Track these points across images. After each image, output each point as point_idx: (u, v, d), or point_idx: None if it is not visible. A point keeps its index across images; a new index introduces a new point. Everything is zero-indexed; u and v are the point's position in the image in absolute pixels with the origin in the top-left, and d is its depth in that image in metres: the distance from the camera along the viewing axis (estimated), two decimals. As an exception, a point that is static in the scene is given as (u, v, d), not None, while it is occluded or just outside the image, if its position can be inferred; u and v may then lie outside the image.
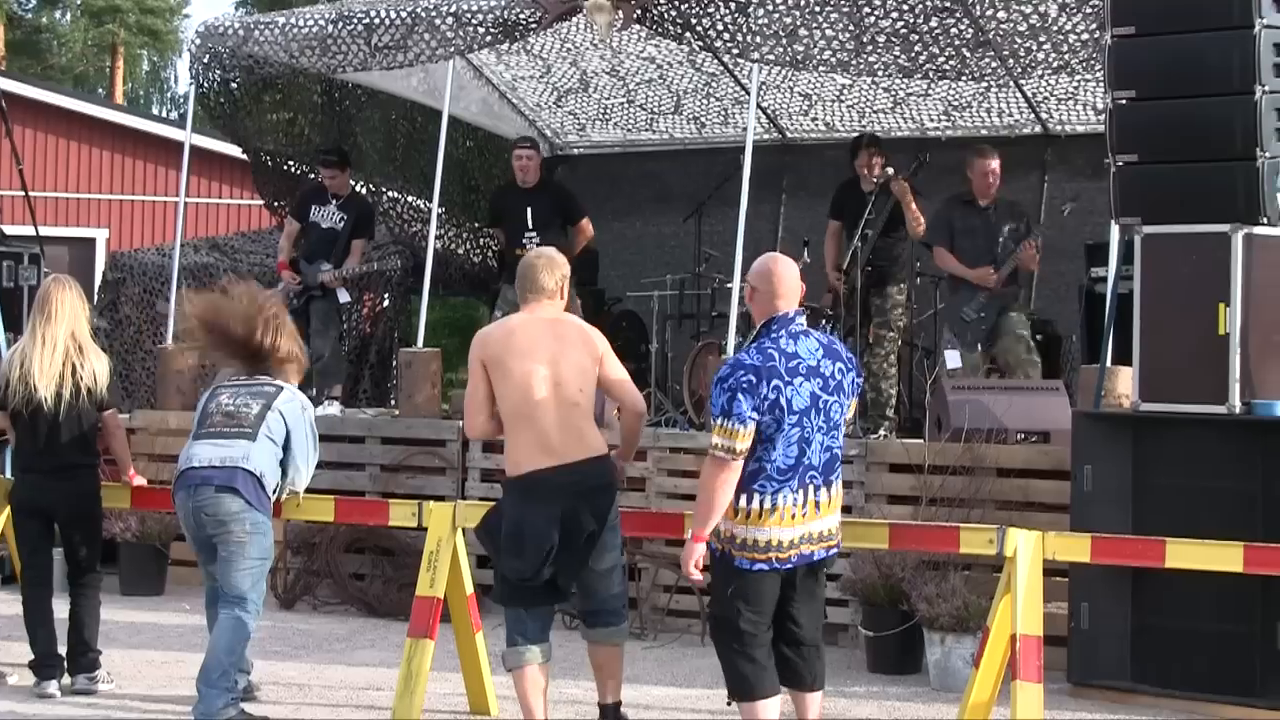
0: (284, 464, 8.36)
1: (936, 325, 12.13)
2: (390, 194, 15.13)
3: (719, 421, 6.86)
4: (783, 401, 6.82)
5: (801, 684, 7.17)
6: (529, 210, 12.59)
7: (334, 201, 13.32)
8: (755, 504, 6.88)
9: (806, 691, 7.18)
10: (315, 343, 13.04)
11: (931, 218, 11.78)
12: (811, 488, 6.92)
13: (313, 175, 14.52)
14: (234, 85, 14.15)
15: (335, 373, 13.24)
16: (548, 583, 7.51)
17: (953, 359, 11.34)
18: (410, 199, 15.18)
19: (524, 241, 12.42)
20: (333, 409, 12.60)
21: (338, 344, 13.40)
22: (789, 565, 6.94)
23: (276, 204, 15.02)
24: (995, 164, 11.59)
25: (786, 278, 7.07)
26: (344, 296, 13.35)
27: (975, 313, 11.49)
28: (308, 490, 8.61)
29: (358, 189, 14.01)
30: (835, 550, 7.12)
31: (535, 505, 7.42)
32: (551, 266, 7.73)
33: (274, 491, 8.32)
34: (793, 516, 6.89)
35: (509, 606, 7.67)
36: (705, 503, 6.92)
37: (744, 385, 6.83)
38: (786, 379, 6.85)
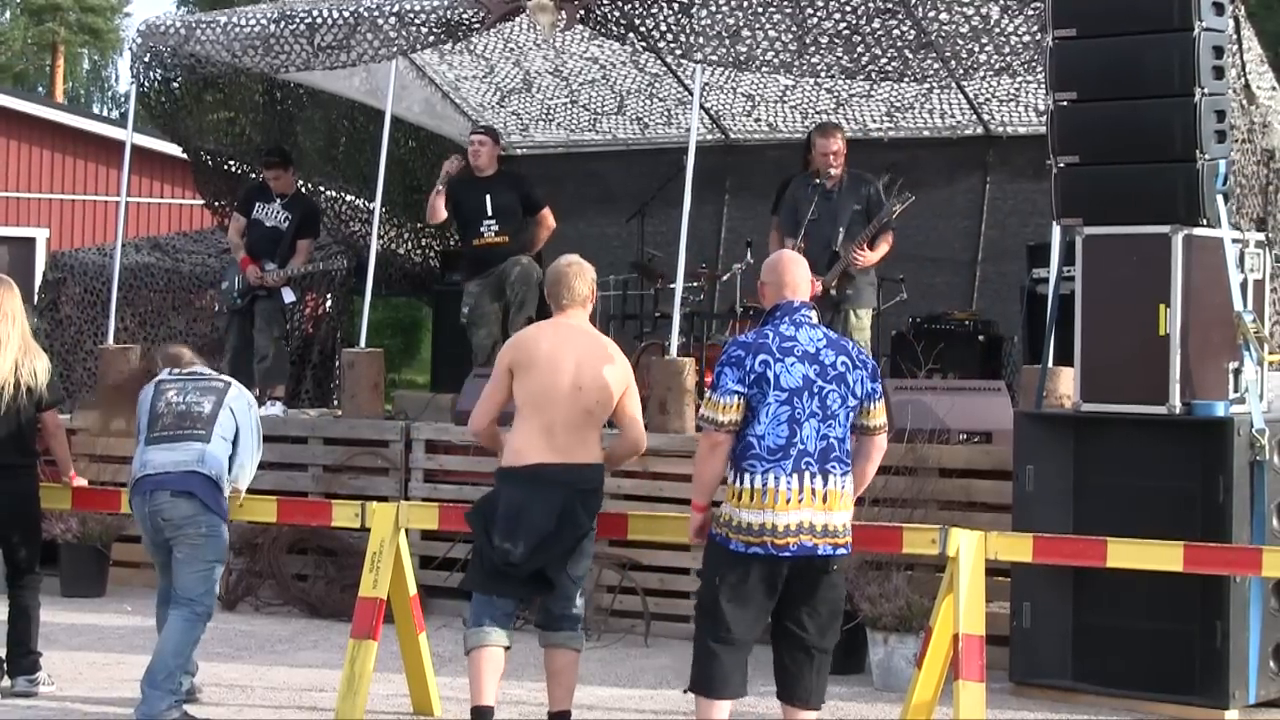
0: (230, 461, 8.32)
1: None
2: (329, 193, 15.08)
3: (707, 395, 7.01)
4: (770, 375, 6.86)
5: (795, 697, 7.06)
6: (488, 197, 12.36)
7: (278, 200, 13.25)
8: (747, 483, 6.88)
9: (800, 709, 7.07)
10: (259, 341, 13.00)
11: (776, 198, 11.68)
12: (808, 474, 6.88)
13: (254, 175, 14.45)
14: (175, 84, 14.06)
15: (279, 372, 13.16)
16: (534, 573, 7.52)
17: None
18: (350, 198, 15.13)
19: (483, 230, 12.29)
20: (275, 409, 12.53)
21: (282, 344, 13.32)
22: (787, 554, 6.85)
23: (217, 203, 14.94)
24: (837, 144, 11.27)
25: (795, 269, 7.16)
26: (289, 296, 13.28)
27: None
28: (250, 490, 8.57)
29: (302, 189, 13.93)
30: (845, 550, 7.00)
31: (536, 495, 7.48)
32: (583, 273, 7.84)
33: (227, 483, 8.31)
34: (787, 501, 6.84)
35: (484, 592, 7.66)
36: (696, 473, 7.13)
37: (732, 360, 6.94)
38: (777, 356, 6.90)
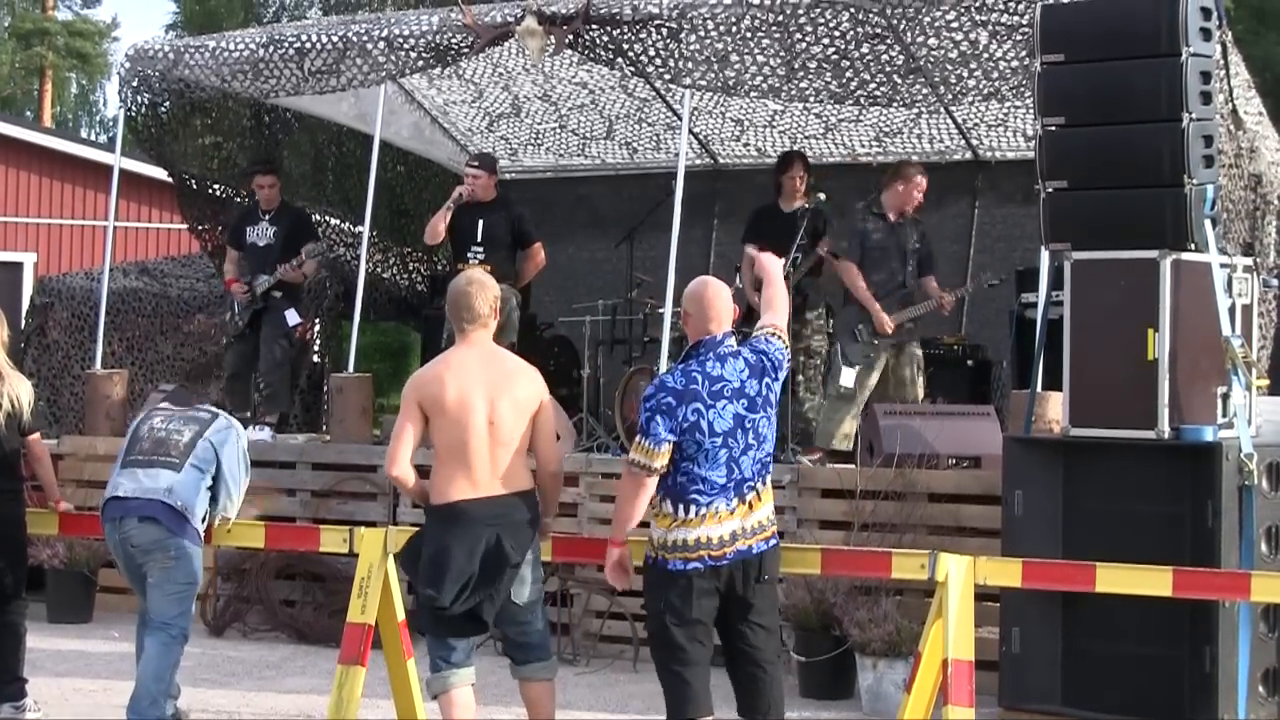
0: (215, 491, 8.31)
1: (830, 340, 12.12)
2: (316, 217, 15.09)
3: (638, 439, 7.06)
4: (703, 424, 6.95)
5: (756, 711, 7.13)
6: (480, 224, 12.42)
7: (265, 218, 13.26)
8: (686, 512, 7.00)
9: None
10: (262, 366, 13.00)
11: (845, 231, 11.79)
12: (744, 494, 7.04)
13: (239, 199, 14.48)
14: (163, 109, 14.08)
15: (279, 399, 13.15)
16: (468, 613, 7.45)
17: (847, 377, 11.30)
18: (337, 223, 15.15)
19: (469, 256, 12.32)
20: (264, 434, 12.52)
21: (286, 370, 13.30)
22: (725, 562, 6.97)
23: (200, 227, 14.92)
24: (925, 183, 11.62)
25: (718, 301, 7.16)
26: (293, 319, 13.25)
27: (869, 336, 11.42)
28: (238, 516, 8.56)
29: (288, 201, 13.89)
30: (775, 542, 7.15)
31: (457, 535, 7.37)
32: (483, 290, 7.61)
33: (203, 519, 8.28)
34: (721, 519, 6.99)
35: (430, 635, 7.63)
36: (619, 513, 7.19)
37: (663, 407, 6.99)
38: (708, 402, 6.97)
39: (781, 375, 7.19)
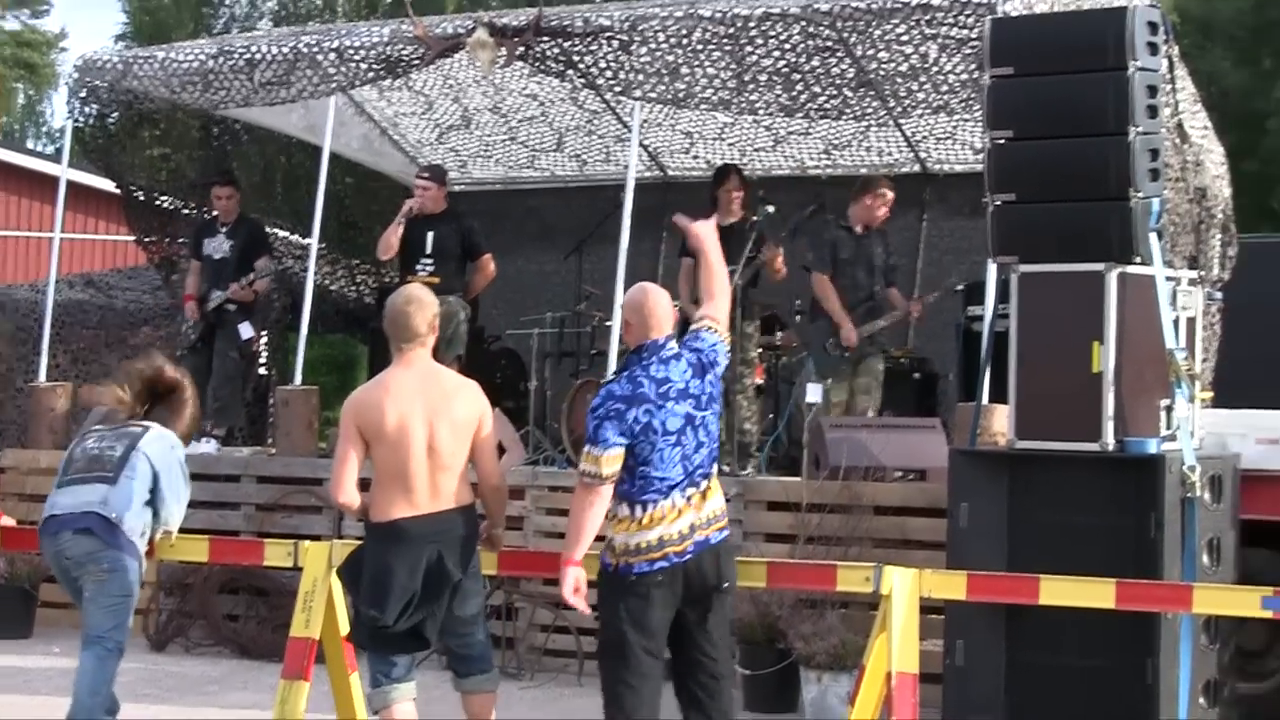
0: (155, 504, 8.26)
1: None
2: (265, 229, 15.05)
3: (587, 448, 7.02)
4: (655, 424, 6.97)
5: None
6: (429, 236, 12.43)
7: (222, 230, 13.24)
8: (646, 511, 7.00)
9: None
10: (214, 381, 12.97)
11: (811, 244, 11.86)
12: (700, 479, 7.07)
13: (187, 211, 14.45)
14: (111, 120, 14.04)
15: (229, 412, 13.12)
16: (411, 630, 7.42)
17: (813, 393, 11.36)
18: (286, 234, 15.11)
19: (418, 269, 12.33)
20: (209, 446, 12.46)
21: (238, 384, 13.28)
22: (688, 555, 6.97)
23: (147, 240, 14.86)
24: (892, 197, 11.76)
25: (658, 307, 7.18)
26: (246, 332, 13.23)
27: (839, 349, 11.51)
28: (181, 530, 8.51)
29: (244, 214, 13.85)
30: (728, 533, 7.18)
31: (398, 553, 7.34)
32: (421, 307, 7.55)
33: (143, 532, 8.22)
34: (679, 513, 6.99)
35: (370, 651, 7.60)
36: (574, 528, 7.05)
37: (612, 413, 6.98)
38: (657, 403, 6.99)
39: (720, 368, 7.20)
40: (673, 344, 7.16)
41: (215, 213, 13.40)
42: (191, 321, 13.19)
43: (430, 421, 7.37)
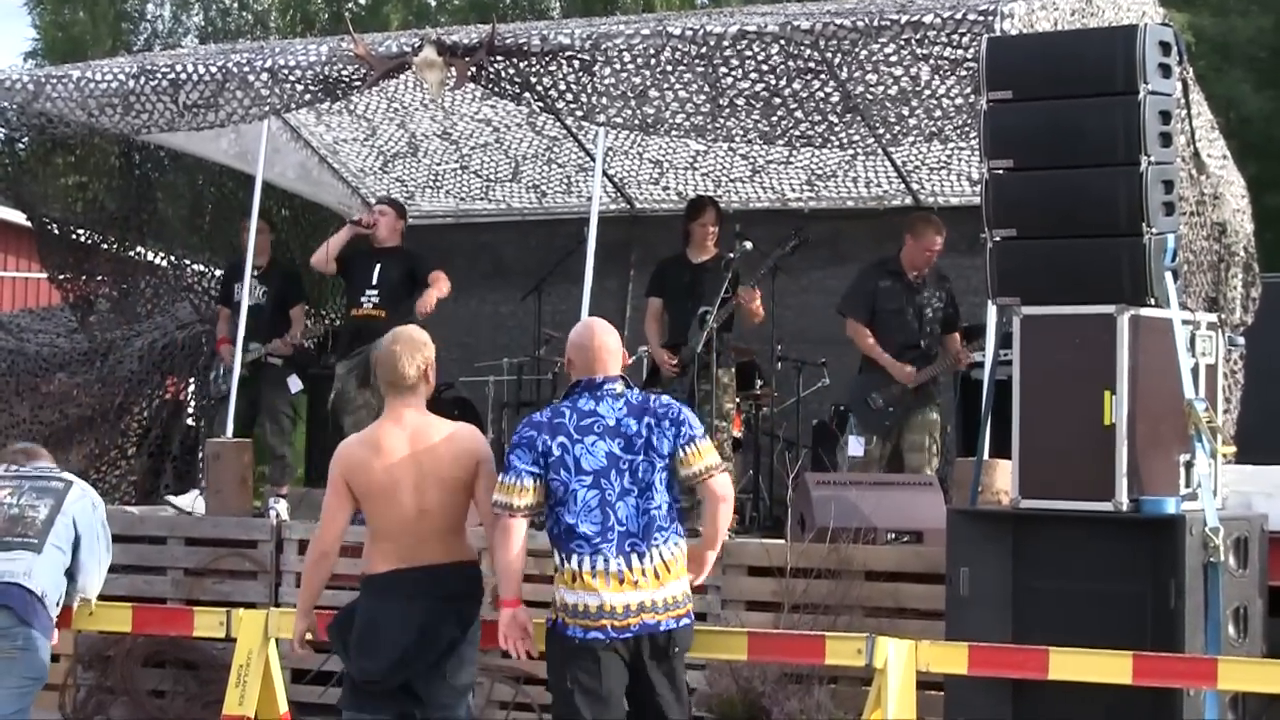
0: (72, 568, 8.23)
1: (838, 409, 12.18)
2: (195, 267, 15.02)
3: (499, 478, 7.17)
4: (569, 460, 7.04)
5: None
6: (377, 268, 12.51)
7: (255, 274, 13.20)
8: (574, 564, 7.05)
9: None
10: (271, 442, 13.04)
11: (849, 287, 11.87)
12: (634, 555, 7.05)
13: (106, 245, 14.43)
14: (20, 145, 14.01)
15: (293, 469, 13.21)
16: (401, 688, 7.44)
17: (855, 446, 11.39)
18: (218, 272, 15.08)
19: (362, 300, 12.44)
20: (279, 505, 12.54)
21: (292, 439, 13.44)
22: (629, 634, 7.00)
23: (62, 277, 14.81)
24: (941, 241, 11.71)
25: (604, 346, 7.27)
26: (296, 385, 13.32)
27: (884, 402, 11.53)
28: (101, 597, 8.48)
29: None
30: (688, 621, 7.17)
31: (394, 602, 7.41)
32: (411, 350, 7.60)
33: (58, 602, 8.19)
34: (620, 581, 7.01)
35: (355, 711, 7.58)
36: (497, 565, 7.25)
37: (523, 441, 7.11)
38: (575, 436, 7.06)
39: (677, 426, 7.17)
40: (617, 385, 7.20)
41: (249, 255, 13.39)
42: (223, 370, 13.19)
43: (419, 485, 7.46)
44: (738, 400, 12.16)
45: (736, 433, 12.17)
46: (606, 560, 7.01)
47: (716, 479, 7.24)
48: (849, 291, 11.90)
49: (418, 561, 7.44)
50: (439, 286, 12.52)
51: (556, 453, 7.04)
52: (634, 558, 7.04)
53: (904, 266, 11.73)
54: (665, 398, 7.34)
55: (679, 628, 7.13)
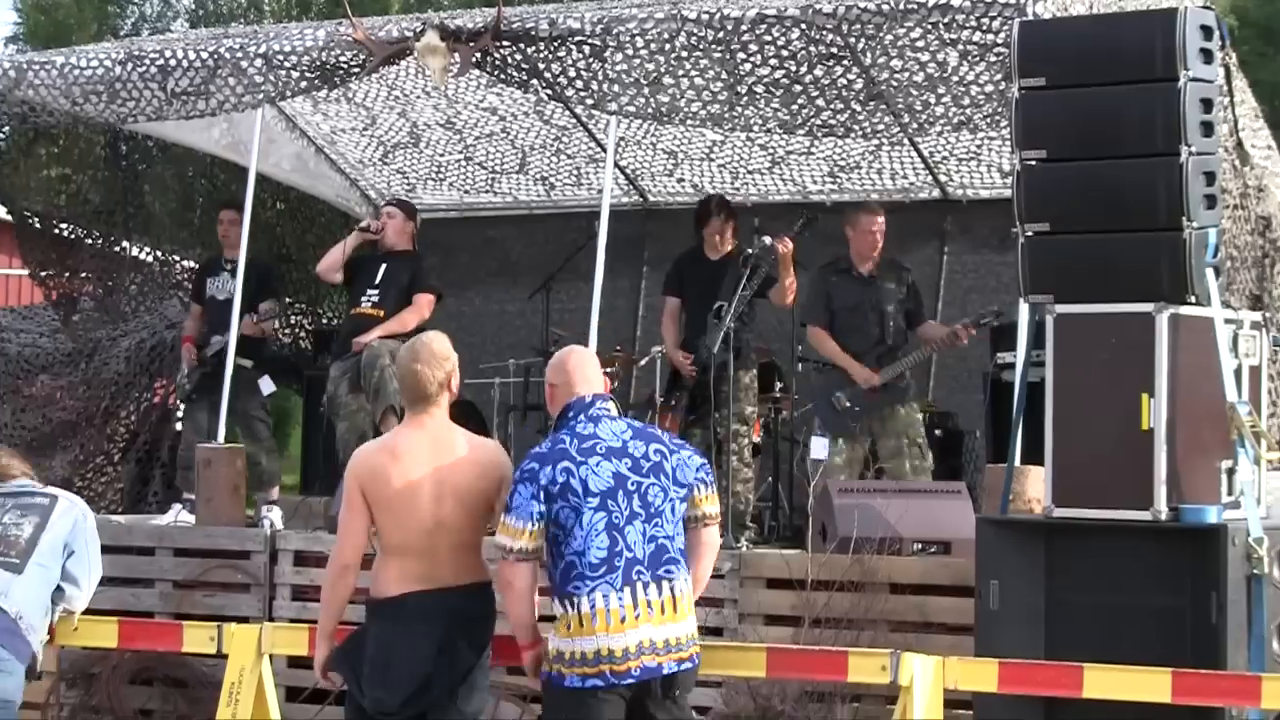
0: (60, 581, 8.26)
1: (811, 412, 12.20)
2: (185, 264, 15.05)
3: (502, 518, 7.16)
4: (574, 483, 7.02)
5: None
6: (382, 268, 12.56)
7: (227, 268, 13.24)
8: (575, 608, 7.02)
9: None
10: (249, 448, 13.02)
11: (805, 293, 11.89)
12: (639, 585, 7.02)
13: (91, 240, 14.45)
14: (1, 136, 14.04)
15: (273, 475, 13.20)
16: (413, 716, 7.44)
17: (818, 447, 11.40)
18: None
19: (362, 300, 12.48)
20: (274, 514, 12.51)
21: (272, 443, 13.42)
22: (630, 679, 6.97)
23: (44, 274, 14.86)
24: (881, 221, 11.74)
25: (583, 366, 7.35)
26: (268, 387, 13.29)
27: (849, 401, 11.56)
28: (86, 610, 8.50)
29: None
30: (693, 665, 7.16)
31: (410, 628, 7.40)
32: (432, 361, 7.60)
33: (46, 621, 8.21)
34: (622, 620, 6.98)
35: None
36: (510, 614, 7.27)
37: (526, 476, 7.09)
38: (579, 459, 7.05)
39: (693, 459, 7.25)
40: (608, 405, 7.25)
41: (222, 246, 13.40)
42: (188, 370, 13.21)
43: (438, 495, 7.46)
44: (757, 403, 12.16)
45: (755, 438, 12.18)
46: (606, 597, 6.97)
47: (715, 528, 7.36)
48: (804, 299, 11.95)
49: (432, 584, 7.43)
50: (417, 311, 12.50)
51: (561, 479, 7.02)
52: (639, 588, 7.01)
53: (854, 262, 11.83)
54: (671, 435, 7.44)
55: (680, 671, 7.10)
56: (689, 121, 11.96)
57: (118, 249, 14.74)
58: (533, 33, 11.45)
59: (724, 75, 11.27)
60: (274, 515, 12.57)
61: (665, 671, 7.04)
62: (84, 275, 14.69)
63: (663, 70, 11.29)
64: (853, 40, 10.94)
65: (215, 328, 13.16)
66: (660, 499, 7.10)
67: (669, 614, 7.06)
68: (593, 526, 7.00)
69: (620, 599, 6.98)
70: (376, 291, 12.43)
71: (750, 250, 11.84)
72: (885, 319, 11.76)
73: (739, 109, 11.50)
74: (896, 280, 11.88)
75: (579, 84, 11.50)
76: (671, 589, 7.08)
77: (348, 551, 7.58)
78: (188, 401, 13.30)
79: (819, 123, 11.68)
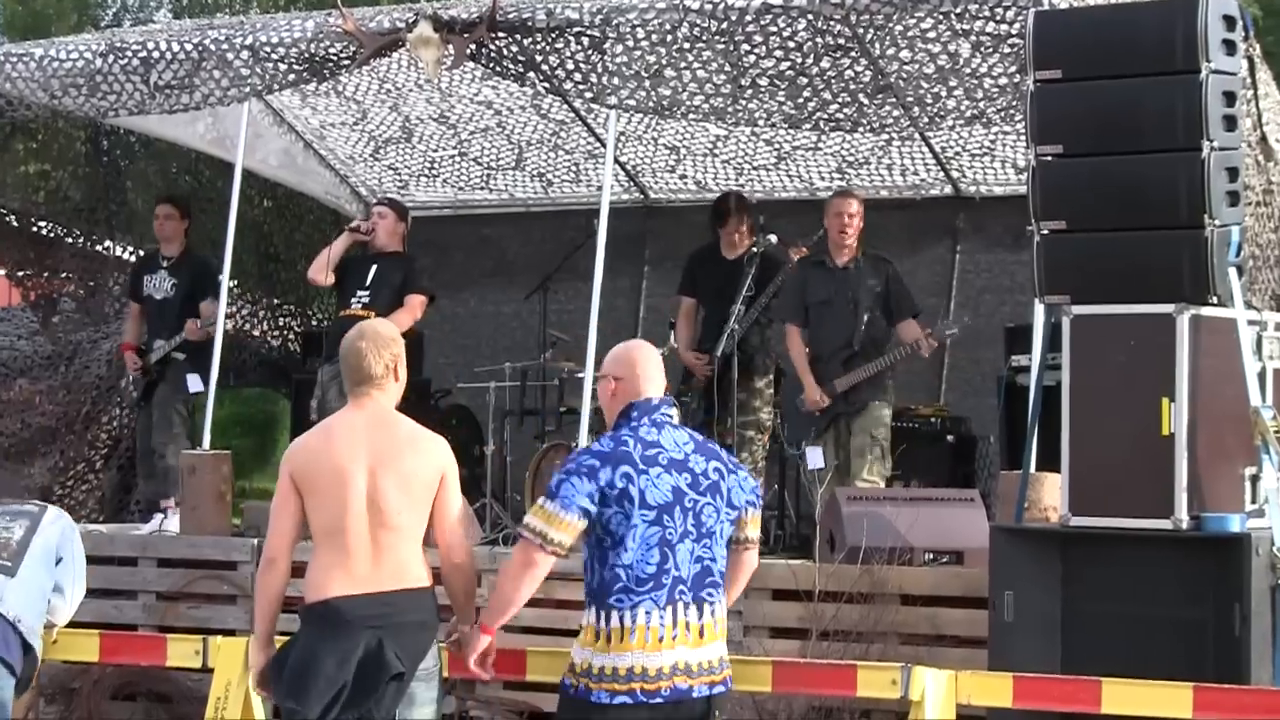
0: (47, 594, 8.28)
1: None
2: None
3: (540, 502, 6.99)
4: (633, 491, 6.91)
5: None
6: (373, 269, 12.57)
7: (164, 266, 13.24)
8: (614, 622, 6.94)
9: None
10: (156, 440, 12.96)
11: (784, 289, 11.88)
12: (680, 605, 6.97)
13: (71, 239, 14.45)
14: (-24, 130, 14.06)
15: (172, 478, 13.16)
16: None
17: (814, 457, 11.40)
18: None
19: (352, 301, 12.46)
20: (170, 522, 12.48)
21: (185, 441, 13.31)
22: (658, 699, 6.92)
23: (20, 273, 14.87)
24: (854, 205, 11.71)
25: (649, 363, 7.23)
26: (195, 385, 13.21)
27: (810, 407, 11.58)
28: (68, 623, 8.51)
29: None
30: (725, 688, 7.12)
31: (330, 638, 7.28)
32: (378, 345, 7.52)
33: (42, 624, 8.23)
34: (660, 640, 6.92)
35: None
36: (502, 594, 7.16)
37: (584, 470, 6.95)
38: (641, 467, 6.95)
39: (749, 482, 7.22)
40: (672, 412, 7.18)
41: (158, 243, 13.42)
42: (132, 376, 13.21)
43: (373, 470, 7.34)
44: (772, 410, 12.18)
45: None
46: (649, 614, 6.91)
47: (755, 552, 7.32)
48: (782, 295, 11.95)
49: (361, 588, 7.29)
50: (410, 312, 12.47)
51: (620, 484, 6.91)
52: (679, 608, 6.96)
53: (830, 253, 11.80)
54: (730, 453, 7.36)
55: (713, 694, 7.06)
56: (691, 115, 11.96)
57: (100, 248, 14.74)
58: (529, 24, 11.44)
59: (728, 67, 11.27)
60: (172, 523, 12.52)
61: (697, 694, 6.99)
62: (64, 275, 14.70)
63: (664, 62, 11.28)
64: (861, 31, 10.93)
65: (155, 329, 13.17)
66: (713, 519, 7.05)
67: (704, 637, 7.03)
68: (646, 540, 6.92)
69: (662, 618, 6.93)
70: (367, 292, 12.42)
71: (754, 249, 11.85)
72: (860, 311, 11.66)
73: (743, 102, 11.51)
74: (875, 274, 11.77)
75: (577, 77, 11.50)
76: (712, 612, 7.05)
77: (273, 544, 7.44)
78: (137, 409, 13.27)
79: (826, 116, 11.68)
